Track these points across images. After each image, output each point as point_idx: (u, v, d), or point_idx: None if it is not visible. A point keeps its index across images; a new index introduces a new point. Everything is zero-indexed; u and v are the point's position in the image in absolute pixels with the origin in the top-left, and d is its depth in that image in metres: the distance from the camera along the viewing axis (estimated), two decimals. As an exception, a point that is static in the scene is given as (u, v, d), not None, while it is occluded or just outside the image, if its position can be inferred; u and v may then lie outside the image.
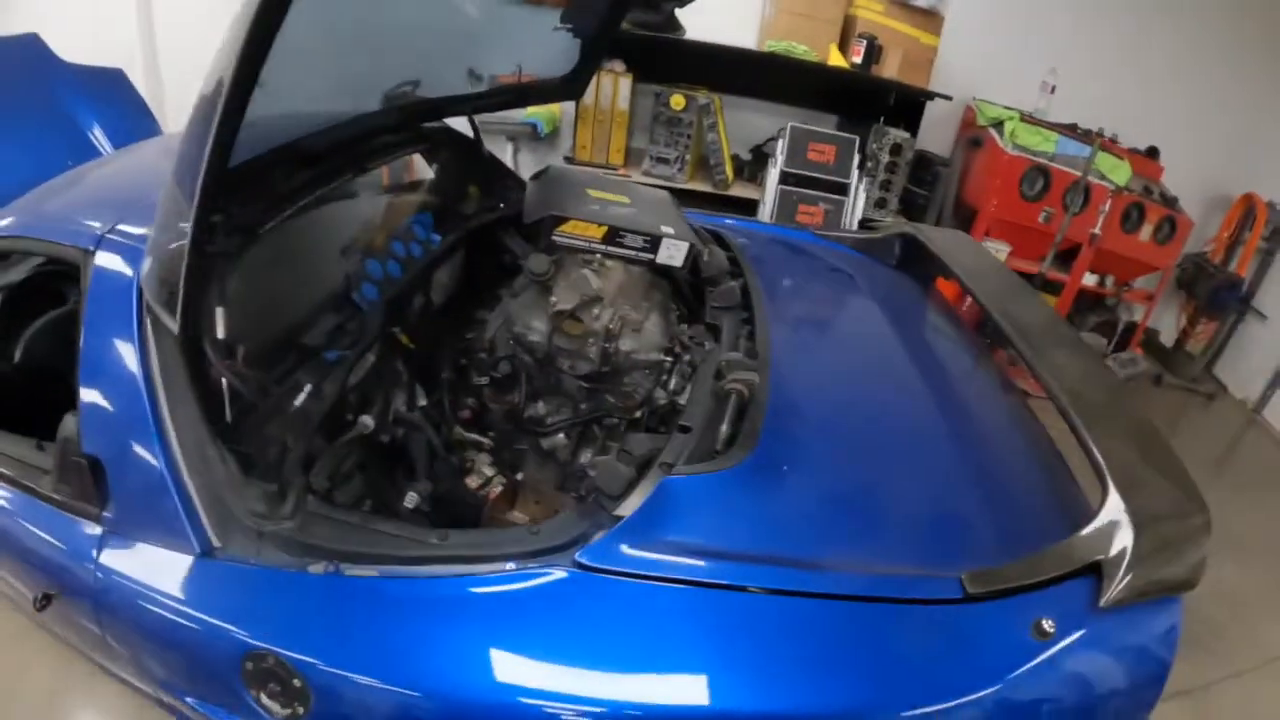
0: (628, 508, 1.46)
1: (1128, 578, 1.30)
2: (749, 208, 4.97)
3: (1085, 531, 1.38)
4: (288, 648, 1.36)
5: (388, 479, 1.89)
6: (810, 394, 1.90)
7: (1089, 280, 5.12)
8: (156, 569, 1.52)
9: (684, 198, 4.85)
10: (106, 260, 1.71)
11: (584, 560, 1.36)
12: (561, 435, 2.14)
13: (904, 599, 1.35)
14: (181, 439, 1.47)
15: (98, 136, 3.29)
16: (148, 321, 1.59)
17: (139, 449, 1.52)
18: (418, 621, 1.35)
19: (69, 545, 1.68)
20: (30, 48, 3.25)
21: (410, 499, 1.76)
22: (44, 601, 1.74)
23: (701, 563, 1.37)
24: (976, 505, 1.69)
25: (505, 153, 5.14)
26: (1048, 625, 1.28)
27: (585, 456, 2.14)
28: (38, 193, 2.20)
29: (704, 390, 1.81)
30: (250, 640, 1.38)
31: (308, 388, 1.66)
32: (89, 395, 1.63)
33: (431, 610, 1.36)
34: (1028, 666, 1.27)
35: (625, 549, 1.39)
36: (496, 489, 1.84)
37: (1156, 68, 5.37)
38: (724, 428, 1.66)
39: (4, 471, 1.87)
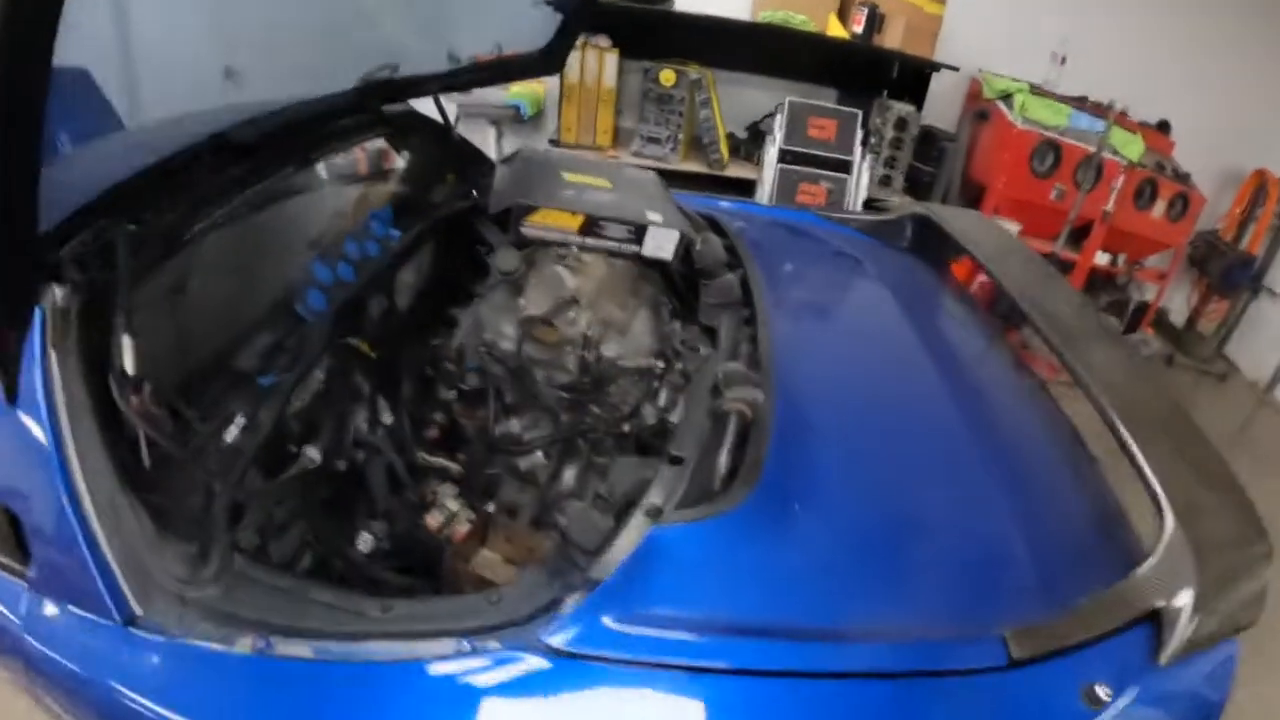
0: (606, 567, 1.21)
1: (1190, 629, 1.13)
2: (746, 188, 4.73)
3: (1142, 571, 1.20)
4: (209, 733, 1.14)
5: (344, 514, 1.65)
6: (822, 409, 1.64)
7: (1100, 259, 4.92)
8: (78, 637, 1.28)
9: (677, 179, 4.64)
10: None
11: (553, 642, 1.12)
12: (540, 454, 1.90)
13: (941, 671, 1.14)
14: (93, 491, 1.22)
15: (61, 141, 3.09)
16: (51, 353, 1.34)
17: (48, 503, 1.27)
18: (355, 713, 1.12)
19: None
20: None
21: (364, 541, 1.53)
22: None
23: (699, 639, 1.13)
24: (1016, 538, 1.44)
25: (488, 137, 4.91)
26: (1102, 692, 1.10)
27: (569, 475, 1.91)
28: None
29: (699, 409, 1.56)
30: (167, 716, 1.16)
31: (239, 420, 1.41)
32: None
33: (371, 700, 1.13)
34: None
35: (604, 622, 1.14)
36: (462, 527, 1.59)
37: (1168, 37, 5.16)
38: (722, 457, 1.41)
39: None
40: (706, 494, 1.36)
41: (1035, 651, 1.13)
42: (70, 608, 1.32)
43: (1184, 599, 1.15)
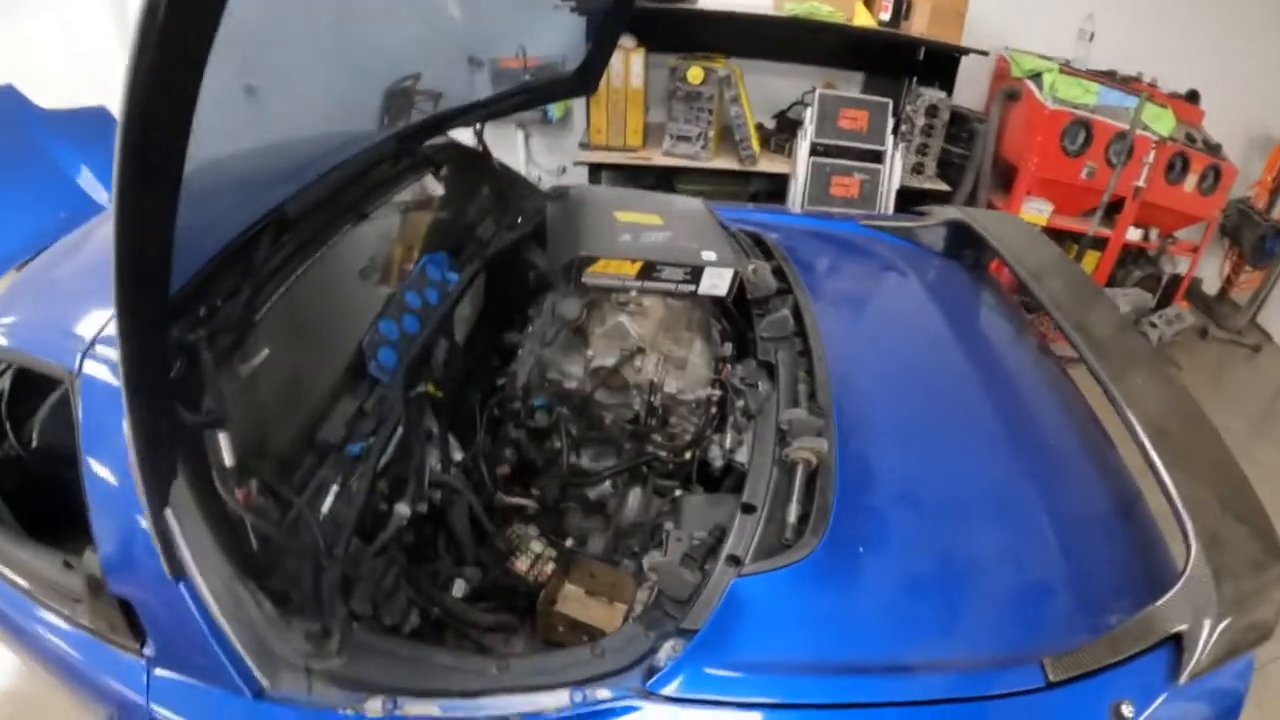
0: (697, 618, 1.33)
1: (1208, 650, 1.25)
2: (779, 181, 4.73)
3: (1166, 600, 1.31)
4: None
5: (432, 557, 1.75)
6: (878, 447, 1.74)
7: (1133, 235, 4.89)
8: (207, 710, 1.41)
9: (710, 177, 4.73)
10: (93, 382, 1.53)
11: (659, 690, 1.25)
12: (608, 483, 2.00)
13: (988, 696, 1.27)
14: (209, 582, 1.31)
15: (87, 180, 3.18)
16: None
17: (166, 598, 1.37)
18: None
19: (116, 676, 1.57)
20: (6, 101, 3.16)
21: (459, 587, 1.63)
22: None
23: (781, 679, 1.27)
24: (1058, 567, 1.56)
25: (516, 141, 4.94)
26: (1127, 710, 1.23)
27: (633, 499, 2.00)
28: (31, 271, 2.04)
29: (765, 454, 1.66)
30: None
31: (334, 490, 1.51)
32: (103, 536, 1.48)
33: None
34: None
35: (701, 669, 1.27)
36: (548, 568, 1.69)
37: (1194, 6, 5.04)
38: (793, 506, 1.52)
39: (38, 593, 1.75)
40: (780, 542, 1.48)
41: (1070, 674, 1.26)
42: (195, 683, 1.43)
43: (1204, 624, 1.26)
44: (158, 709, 1.48)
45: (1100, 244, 4.83)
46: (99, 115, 3.51)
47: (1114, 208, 4.71)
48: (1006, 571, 1.54)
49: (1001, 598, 1.50)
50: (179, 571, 1.24)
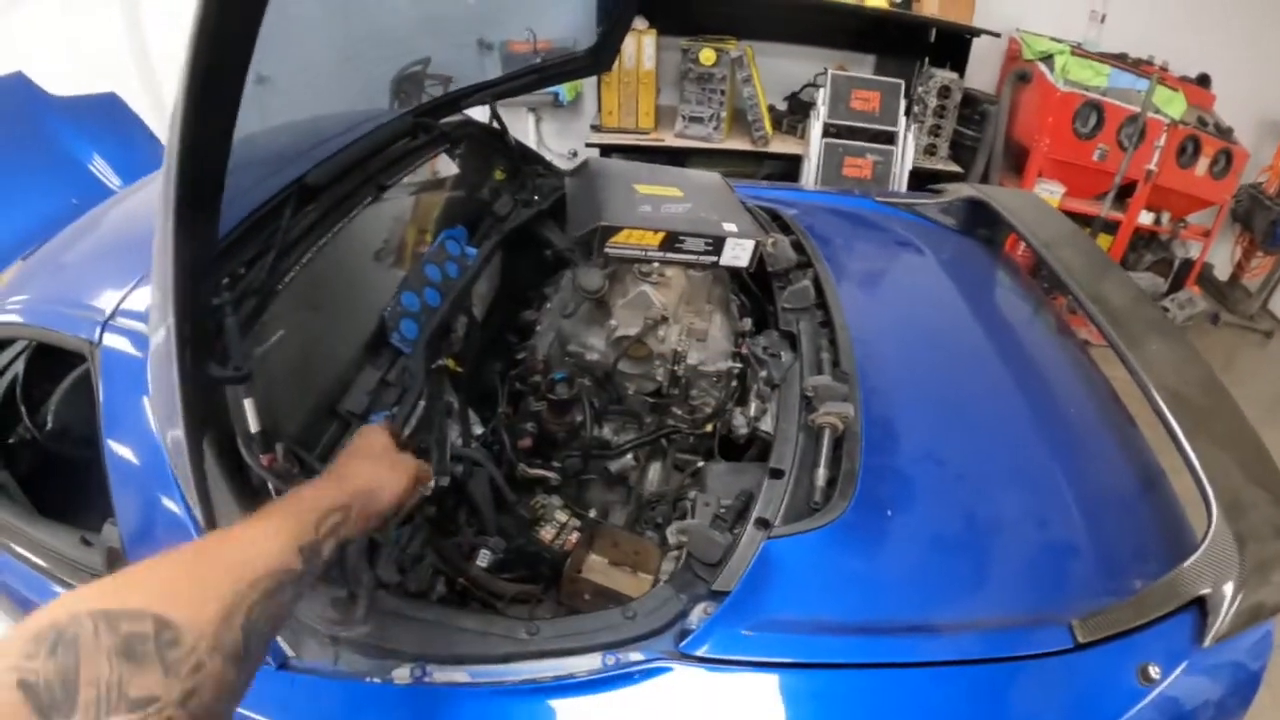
0: (728, 579, 1.33)
1: (1231, 613, 1.26)
2: (792, 163, 4.73)
3: (1190, 563, 1.31)
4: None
5: (455, 530, 1.75)
6: (902, 412, 1.74)
7: (1144, 219, 4.89)
8: None
9: (723, 159, 4.71)
10: (114, 353, 1.54)
11: (692, 651, 1.25)
12: (630, 456, 1.99)
13: (1017, 656, 1.28)
14: None
15: (99, 167, 3.19)
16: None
17: None
18: None
19: None
20: (16, 88, 3.16)
21: (483, 557, 1.62)
22: None
23: (815, 639, 1.27)
24: (1083, 531, 1.56)
25: (527, 124, 4.93)
26: (1154, 671, 1.25)
27: (654, 473, 2.00)
28: (44, 253, 2.04)
29: (790, 421, 1.66)
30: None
31: None
32: (123, 507, 1.49)
33: (528, 716, 1.25)
34: (1133, 712, 1.24)
35: (734, 630, 1.27)
36: (573, 536, 1.69)
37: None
38: (820, 470, 1.52)
39: (55, 571, 1.77)
40: (809, 506, 1.48)
41: (1097, 636, 1.27)
42: None
43: (1227, 588, 1.27)
44: None
45: (1112, 227, 4.82)
46: (109, 102, 3.52)
47: (1125, 191, 4.71)
48: (1031, 534, 1.55)
49: (1027, 560, 1.51)
50: (213, 523, 1.23)
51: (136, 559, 1.43)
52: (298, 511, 0.99)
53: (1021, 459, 1.72)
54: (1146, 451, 1.82)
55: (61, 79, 3.40)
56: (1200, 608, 1.28)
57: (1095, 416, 1.91)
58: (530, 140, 5.04)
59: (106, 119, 3.43)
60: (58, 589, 1.77)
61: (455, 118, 2.38)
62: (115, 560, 1.53)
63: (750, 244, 1.94)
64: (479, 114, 2.51)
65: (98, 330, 1.56)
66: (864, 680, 1.25)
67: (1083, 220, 4.71)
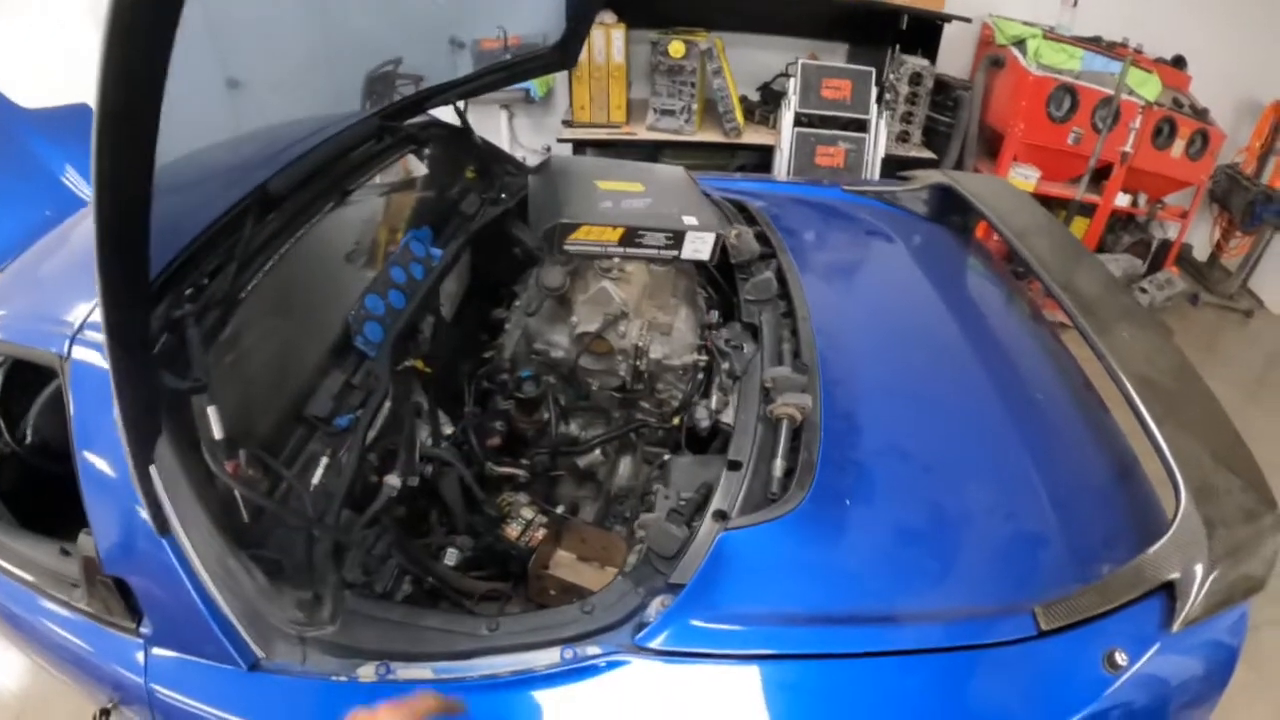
0: (685, 572, 1.34)
1: (1200, 597, 1.25)
2: (765, 153, 4.73)
3: (1157, 548, 1.31)
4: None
5: (424, 530, 1.76)
6: (864, 403, 1.73)
7: (1121, 201, 4.88)
8: (204, 685, 1.42)
9: (696, 151, 4.71)
10: (83, 366, 1.54)
11: (648, 644, 1.26)
12: (598, 451, 2.00)
13: (980, 645, 1.28)
14: (201, 555, 1.32)
15: (72, 178, 3.18)
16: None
17: (159, 572, 1.39)
18: None
19: (115, 659, 1.58)
20: None
21: (451, 556, 1.64)
22: (103, 717, 1.65)
23: (772, 631, 1.28)
24: (1048, 518, 1.56)
25: (499, 122, 4.92)
26: (1120, 658, 1.23)
27: (624, 467, 2.01)
28: (17, 267, 2.04)
29: (750, 412, 1.66)
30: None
31: (324, 461, 1.52)
32: (97, 515, 1.50)
33: (491, 710, 1.26)
34: (1100, 699, 1.23)
35: (689, 623, 1.28)
36: (539, 533, 1.70)
37: (1180, -30, 5.02)
38: (778, 461, 1.53)
39: (37, 583, 1.77)
40: (766, 497, 1.48)
41: (1061, 623, 1.27)
42: (191, 658, 1.45)
43: (1195, 570, 1.26)
44: (156, 688, 1.50)
45: (1088, 210, 4.83)
46: (81, 113, 3.47)
47: (1101, 174, 4.72)
48: (996, 523, 1.55)
49: (991, 548, 1.51)
50: (165, 527, 1.25)
51: (112, 568, 1.47)
52: None
53: (989, 448, 1.71)
54: (1119, 437, 1.82)
55: (33, 92, 3.38)
56: (1169, 593, 1.28)
57: (1066, 403, 1.92)
58: (503, 137, 5.04)
59: (79, 130, 3.40)
60: (41, 601, 1.78)
61: (420, 118, 2.38)
62: (93, 569, 1.54)
63: (711, 236, 1.95)
64: (447, 116, 2.50)
65: (67, 344, 1.56)
66: (822, 671, 1.25)
67: (1059, 204, 4.74)
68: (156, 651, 1.52)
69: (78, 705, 2.13)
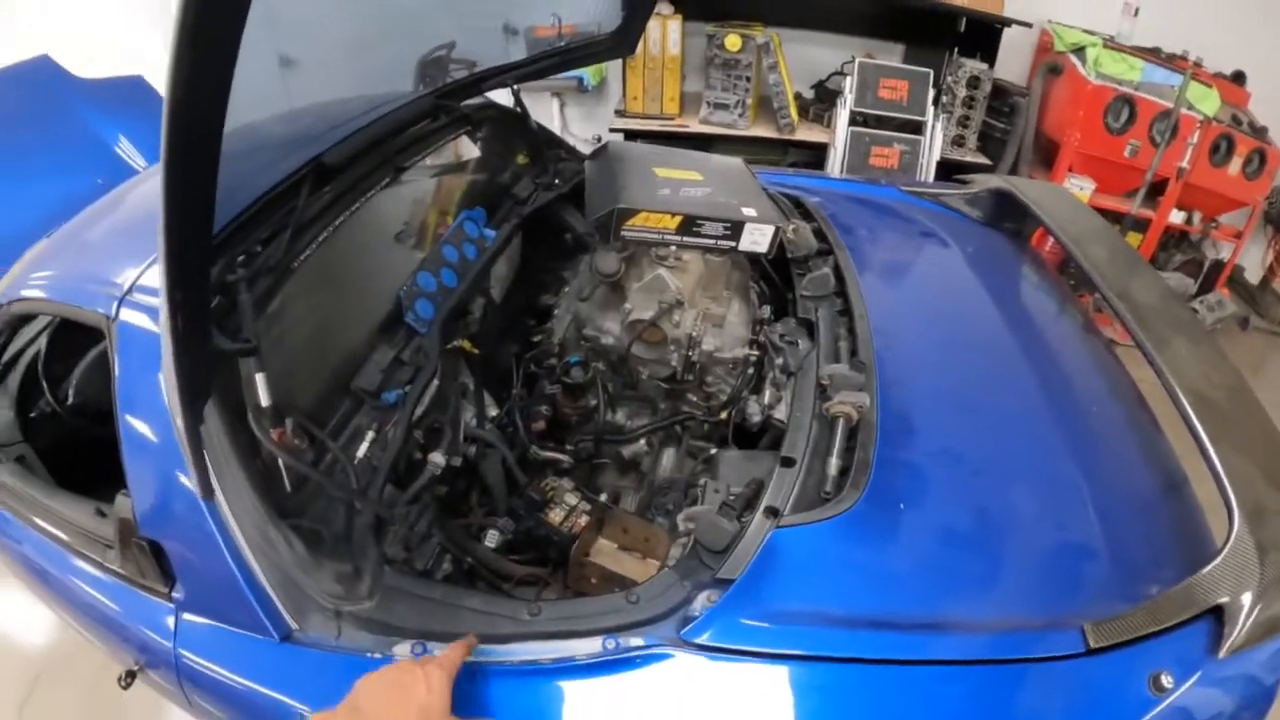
0: (734, 567, 1.31)
1: (1249, 624, 1.21)
2: (817, 151, 4.68)
3: (1209, 569, 1.26)
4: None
5: (465, 511, 1.75)
6: (920, 405, 1.70)
7: (1175, 218, 4.78)
8: (234, 653, 1.42)
9: (748, 146, 4.66)
10: (130, 328, 1.54)
11: (693, 639, 1.23)
12: (643, 441, 1.98)
13: (1027, 659, 1.24)
14: (241, 523, 1.32)
15: (124, 148, 3.23)
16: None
17: (197, 537, 1.39)
18: (513, 711, 1.24)
19: (145, 622, 1.59)
20: (43, 70, 3.20)
21: (491, 538, 1.62)
22: (128, 679, 1.67)
23: (819, 632, 1.24)
24: (1100, 534, 1.51)
25: (551, 109, 4.91)
26: (1166, 680, 1.20)
27: (667, 459, 1.99)
28: (67, 230, 2.06)
29: (805, 409, 1.63)
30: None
31: (369, 435, 1.51)
32: (136, 478, 1.49)
33: (528, 696, 1.24)
34: None
35: (736, 619, 1.25)
36: (581, 520, 1.68)
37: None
38: (833, 460, 1.49)
39: (71, 542, 1.78)
40: (820, 496, 1.45)
41: (1110, 641, 1.23)
42: (222, 627, 1.45)
43: (1245, 598, 1.22)
44: (184, 653, 1.50)
45: (1142, 225, 4.72)
46: (135, 84, 3.54)
47: (1156, 189, 4.61)
48: (1047, 534, 1.51)
49: (1041, 560, 1.47)
50: (209, 491, 1.23)
51: (148, 530, 1.46)
52: None
53: (1040, 457, 1.67)
54: (1170, 456, 1.77)
55: (89, 63, 3.43)
56: (1217, 617, 1.24)
57: (1118, 417, 1.87)
58: (554, 125, 5.03)
59: (132, 101, 3.45)
60: (75, 561, 1.79)
61: (476, 100, 2.37)
62: (128, 531, 1.54)
63: (770, 229, 1.92)
64: (502, 97, 2.49)
65: (115, 305, 1.57)
66: (867, 675, 1.22)
67: (1112, 217, 4.63)
68: (187, 617, 1.52)
69: (101, 664, 2.16)
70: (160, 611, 1.56)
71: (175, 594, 1.53)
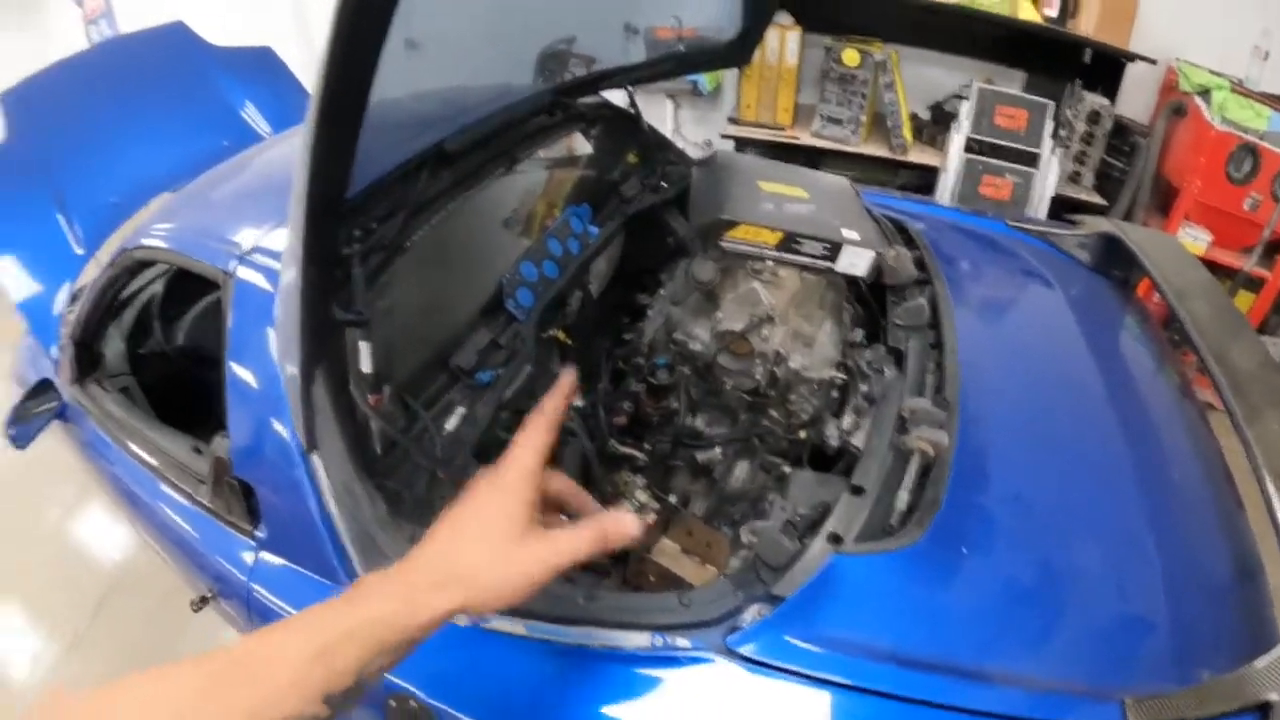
0: (788, 586, 1.34)
1: None
2: (928, 174, 4.61)
3: (1263, 662, 1.20)
4: (430, 693, 1.33)
5: None
6: (999, 452, 1.69)
7: (1293, 280, 4.56)
8: (305, 595, 1.50)
9: (858, 163, 4.65)
10: (246, 285, 1.66)
11: (737, 648, 1.27)
12: (718, 449, 2.01)
13: None
14: (330, 476, 1.40)
15: (251, 115, 3.37)
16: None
17: (287, 483, 1.48)
18: (558, 688, 1.29)
19: (224, 554, 1.72)
20: (177, 36, 3.32)
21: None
22: (200, 604, 1.80)
23: (862, 663, 1.25)
24: (1161, 606, 1.48)
25: (665, 111, 4.96)
26: None
27: (740, 470, 2.01)
28: (193, 188, 2.20)
29: (882, 439, 1.64)
30: (395, 679, 1.34)
31: (460, 411, 1.59)
32: (236, 423, 1.61)
33: (573, 678, 1.30)
34: None
35: (782, 637, 1.28)
36: (649, 518, 1.72)
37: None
38: (902, 494, 1.51)
39: (164, 471, 1.93)
40: (884, 527, 1.47)
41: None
42: (297, 569, 1.55)
43: None
44: (257, 588, 1.61)
45: (1255, 285, 4.51)
46: (263, 54, 3.68)
47: (1275, 247, 4.40)
48: (1106, 599, 1.48)
49: (1096, 625, 1.44)
50: (314, 444, 1.33)
51: (241, 472, 1.56)
52: (344, 637, 0.84)
53: (1113, 518, 1.64)
54: (1248, 537, 1.71)
55: (222, 33, 3.58)
56: (1263, 713, 1.18)
57: (1200, 488, 1.82)
58: (667, 128, 5.08)
59: (261, 70, 3.59)
60: (165, 489, 1.94)
61: (593, 99, 2.42)
62: (222, 470, 1.67)
63: (869, 254, 1.94)
64: (617, 96, 2.54)
65: (234, 263, 1.69)
66: (901, 713, 1.22)
67: (1225, 273, 4.47)
68: (265, 556, 1.63)
69: (173, 585, 2.30)
70: (241, 547, 1.68)
71: (258, 533, 1.64)
